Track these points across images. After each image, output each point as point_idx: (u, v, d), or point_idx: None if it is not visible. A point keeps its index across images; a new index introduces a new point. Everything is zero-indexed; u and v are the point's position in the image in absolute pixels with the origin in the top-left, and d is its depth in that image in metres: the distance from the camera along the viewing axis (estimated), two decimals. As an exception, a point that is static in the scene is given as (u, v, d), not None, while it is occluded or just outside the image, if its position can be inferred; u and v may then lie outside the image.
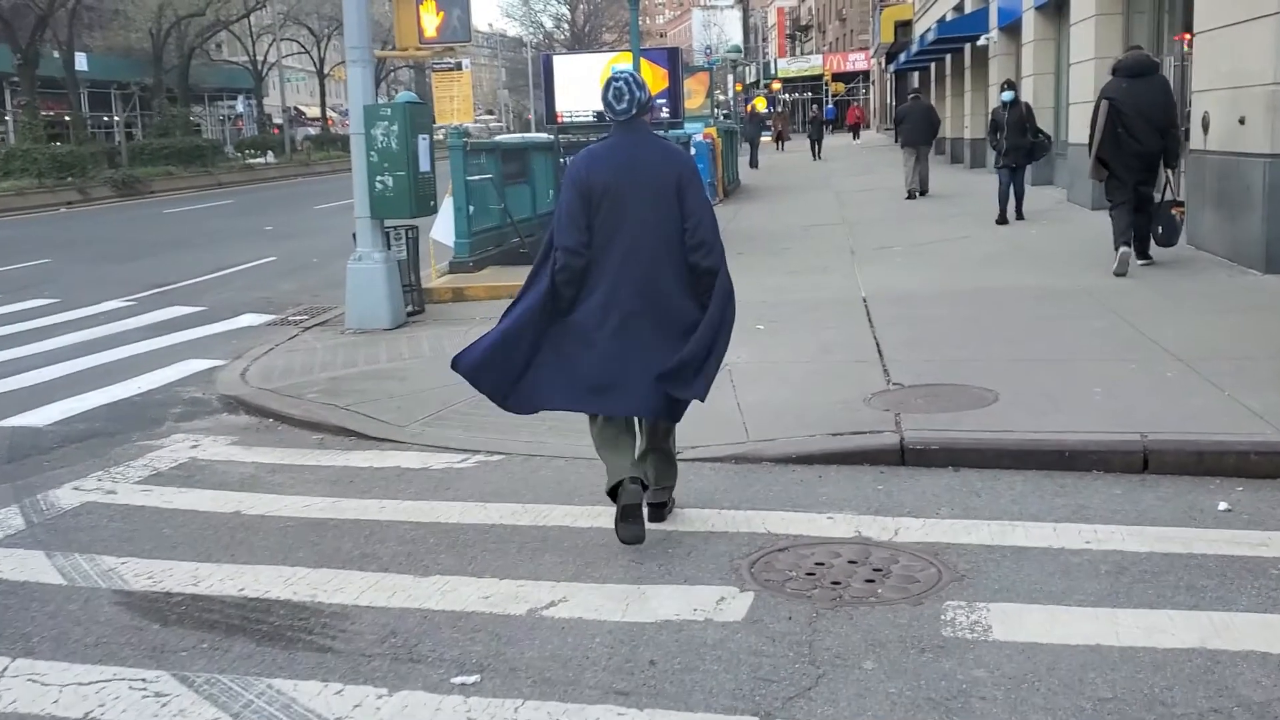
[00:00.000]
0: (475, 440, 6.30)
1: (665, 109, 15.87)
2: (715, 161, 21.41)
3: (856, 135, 48.50)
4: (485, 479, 5.67)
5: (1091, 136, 10.17)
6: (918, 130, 19.59)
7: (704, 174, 19.35)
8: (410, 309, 10.52)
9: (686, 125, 17.83)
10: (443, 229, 11.99)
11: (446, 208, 12.00)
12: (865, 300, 9.59)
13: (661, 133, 15.22)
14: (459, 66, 11.73)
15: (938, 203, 18.42)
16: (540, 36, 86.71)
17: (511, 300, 4.70)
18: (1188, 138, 11.47)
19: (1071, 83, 16.55)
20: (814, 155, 34.94)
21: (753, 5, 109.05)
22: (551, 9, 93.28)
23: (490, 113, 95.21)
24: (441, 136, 11.29)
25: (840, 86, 73.50)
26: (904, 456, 5.54)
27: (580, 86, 14.32)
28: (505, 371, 4.61)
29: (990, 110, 14.85)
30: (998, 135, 14.77)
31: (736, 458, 5.72)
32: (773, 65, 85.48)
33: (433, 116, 10.51)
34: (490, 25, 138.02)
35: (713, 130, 22.08)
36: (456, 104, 11.87)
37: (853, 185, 23.61)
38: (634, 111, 4.45)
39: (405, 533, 4.91)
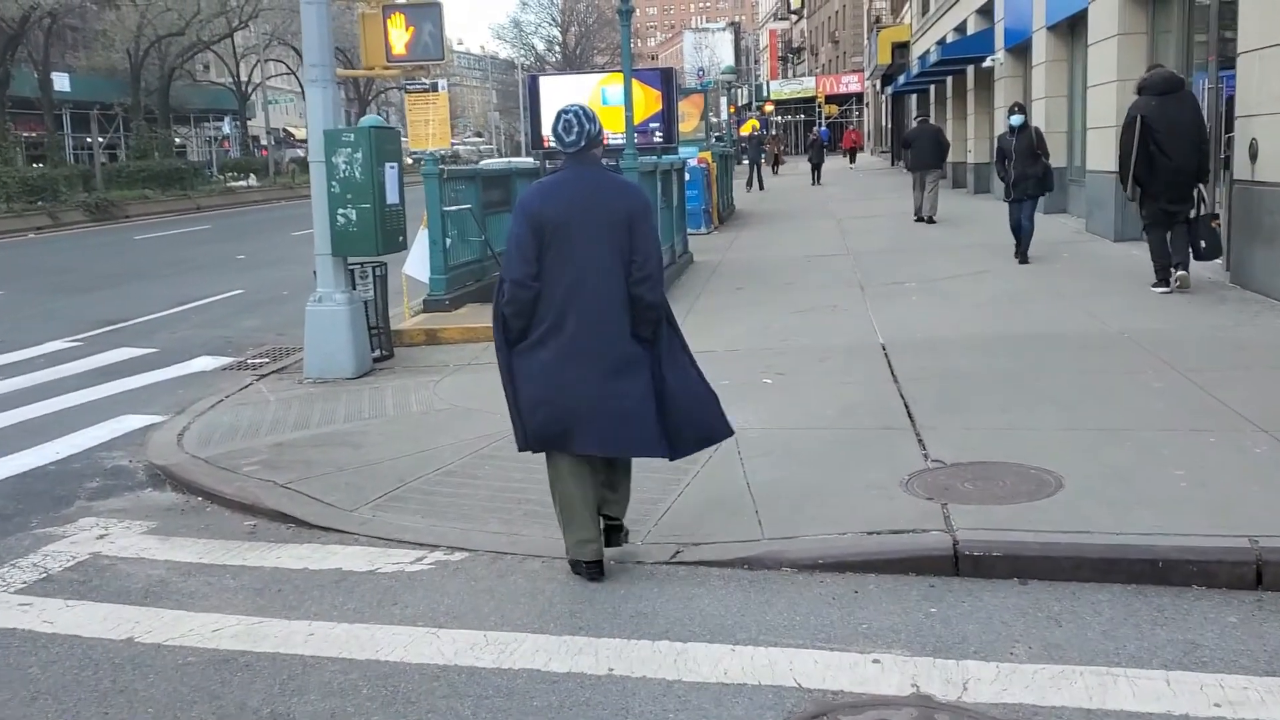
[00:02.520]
0: (434, 530, 5.25)
1: (659, 133, 14.91)
2: (710, 187, 20.45)
3: (853, 159, 47.58)
4: (442, 589, 4.62)
5: (1123, 157, 10.06)
6: (927, 154, 19.02)
7: (698, 200, 18.38)
8: (378, 354, 9.49)
9: (680, 149, 16.84)
10: (416, 264, 10.96)
11: (420, 241, 10.99)
12: (884, 348, 8.58)
13: (655, 157, 14.30)
14: (434, 87, 10.74)
15: (947, 230, 17.44)
16: (532, 59, 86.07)
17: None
18: (1227, 166, 10.73)
19: (1090, 106, 15.62)
20: (814, 180, 33.65)
21: (744, 28, 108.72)
22: (543, 31, 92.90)
23: (479, 135, 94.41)
24: (411, 162, 10.25)
25: (834, 109, 72.84)
26: (958, 564, 4.50)
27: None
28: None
29: (996, 136, 13.77)
30: (1005, 164, 12.91)
31: (750, 562, 4.68)
32: (765, 87, 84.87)
33: (400, 142, 9.47)
34: (482, 48, 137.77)
35: (707, 155, 21.12)
36: (432, 128, 10.87)
37: (854, 211, 22.65)
38: (583, 143, 4.48)
39: (332, 678, 3.84)
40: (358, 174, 8.61)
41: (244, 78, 51.78)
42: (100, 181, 32.49)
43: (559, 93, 13.78)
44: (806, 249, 15.94)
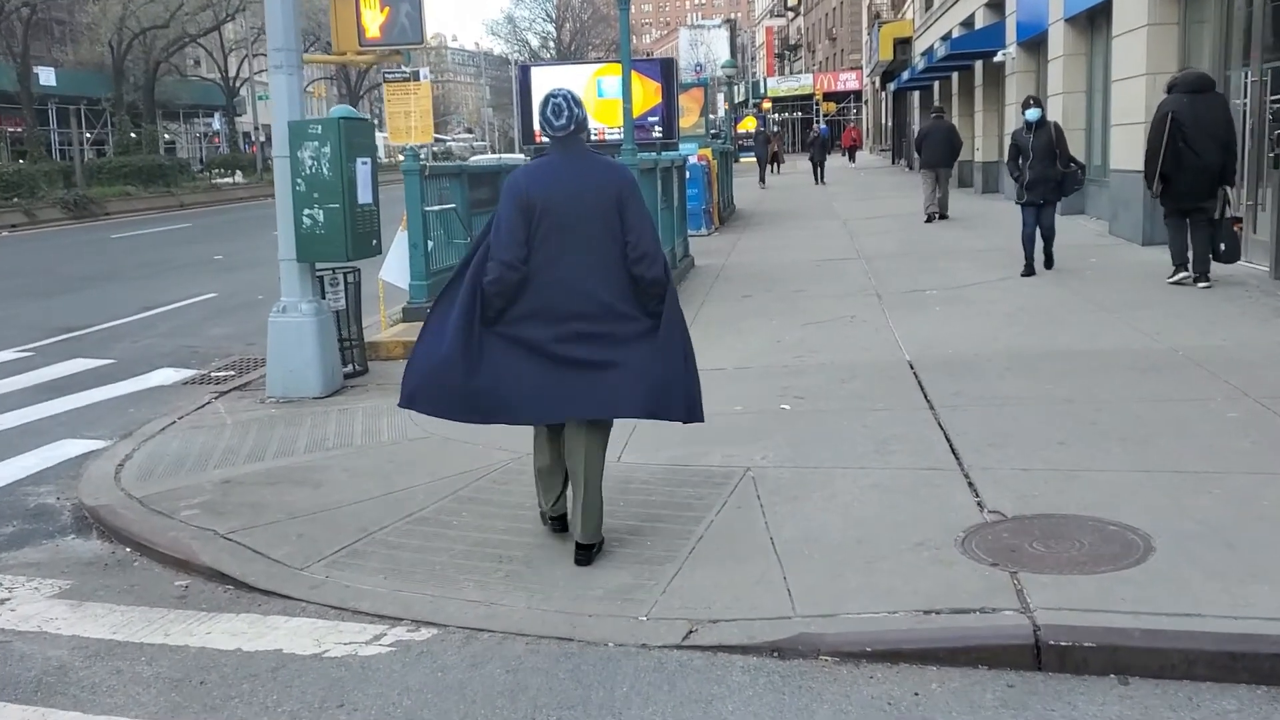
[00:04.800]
0: (398, 598, 4.36)
1: (658, 128, 14.03)
2: (710, 186, 19.56)
3: (852, 157, 46.70)
4: (401, 685, 3.73)
5: (1151, 154, 10.15)
6: (939, 151, 18.41)
7: (698, 200, 17.50)
8: (350, 369, 8.61)
9: (681, 145, 15.95)
10: (394, 269, 10.07)
11: (400, 243, 10.10)
12: (912, 366, 7.70)
13: (655, 154, 13.42)
14: (416, 76, 9.84)
15: (962, 232, 16.56)
16: (526, 55, 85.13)
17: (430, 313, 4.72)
18: (1277, 166, 9.95)
19: (1113, 101, 14.76)
20: (816, 179, 32.61)
21: (740, 24, 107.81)
22: (538, 27, 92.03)
23: (470, 131, 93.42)
24: (384, 158, 9.34)
25: (831, 106, 71.96)
26: (1040, 656, 3.63)
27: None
28: (447, 392, 4.57)
29: (1009, 133, 12.67)
30: (1020, 164, 11.54)
31: (780, 648, 3.80)
32: (762, 84, 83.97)
33: (375, 135, 8.58)
34: (476, 44, 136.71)
35: (707, 152, 20.23)
36: (414, 120, 9.98)
37: (859, 211, 21.77)
38: (572, 128, 4.49)
39: (249, 828, 2.96)
40: (325, 170, 7.72)
41: (232, 73, 50.78)
42: (80, 178, 31.49)
43: (552, 84, 12.86)
44: (815, 252, 15.06)
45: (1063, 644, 3.62)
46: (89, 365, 10.02)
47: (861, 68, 69.22)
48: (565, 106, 4.46)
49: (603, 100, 13.81)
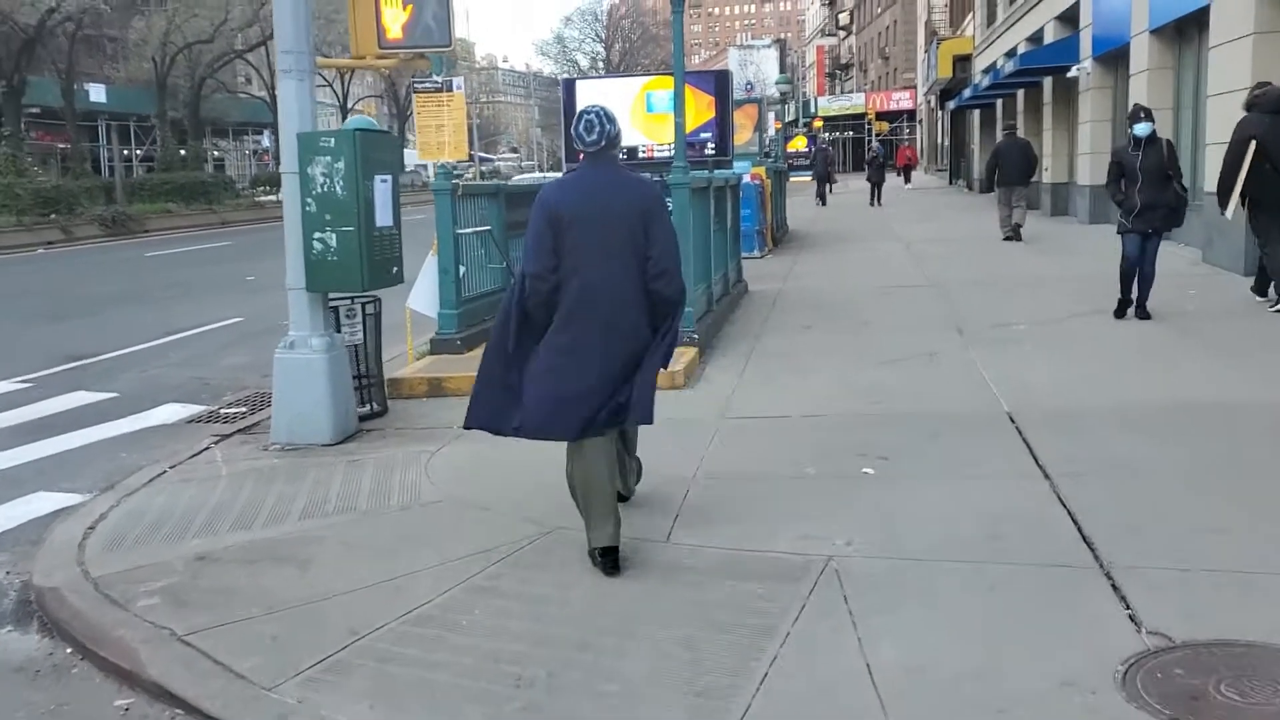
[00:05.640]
0: (387, 739, 3.36)
1: (711, 144, 13.01)
2: (764, 206, 18.54)
3: (908, 178, 45.35)
4: None
5: (1226, 175, 9.95)
6: (1015, 169, 17.64)
7: (751, 220, 16.48)
8: (367, 409, 7.67)
9: (734, 163, 14.92)
10: (423, 297, 9.15)
11: (429, 269, 9.18)
12: (1012, 419, 6.60)
13: (707, 172, 12.42)
14: (449, 86, 8.91)
15: (1040, 257, 15.34)
16: (575, 75, 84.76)
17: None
18: None
19: (1208, 118, 13.55)
20: (872, 200, 31.26)
21: (790, 44, 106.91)
22: (587, 47, 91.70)
23: (515, 150, 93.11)
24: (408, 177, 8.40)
25: (884, 125, 70.67)
26: None
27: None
28: (496, 408, 4.68)
29: (1081, 153, 11.11)
30: (1124, 186, 9.81)
31: None
32: (813, 103, 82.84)
33: (398, 150, 7.66)
34: (527, 65, 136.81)
35: (761, 170, 19.23)
36: (447, 134, 9.05)
37: (920, 234, 20.61)
38: (604, 143, 4.56)
39: None
40: (339, 189, 6.79)
41: (278, 90, 50.59)
42: (121, 194, 31.09)
43: (598, 98, 11.92)
44: (879, 278, 13.95)
45: None
46: (89, 400, 9.18)
47: (915, 87, 67.94)
48: (597, 123, 4.55)
49: (652, 115, 12.83)
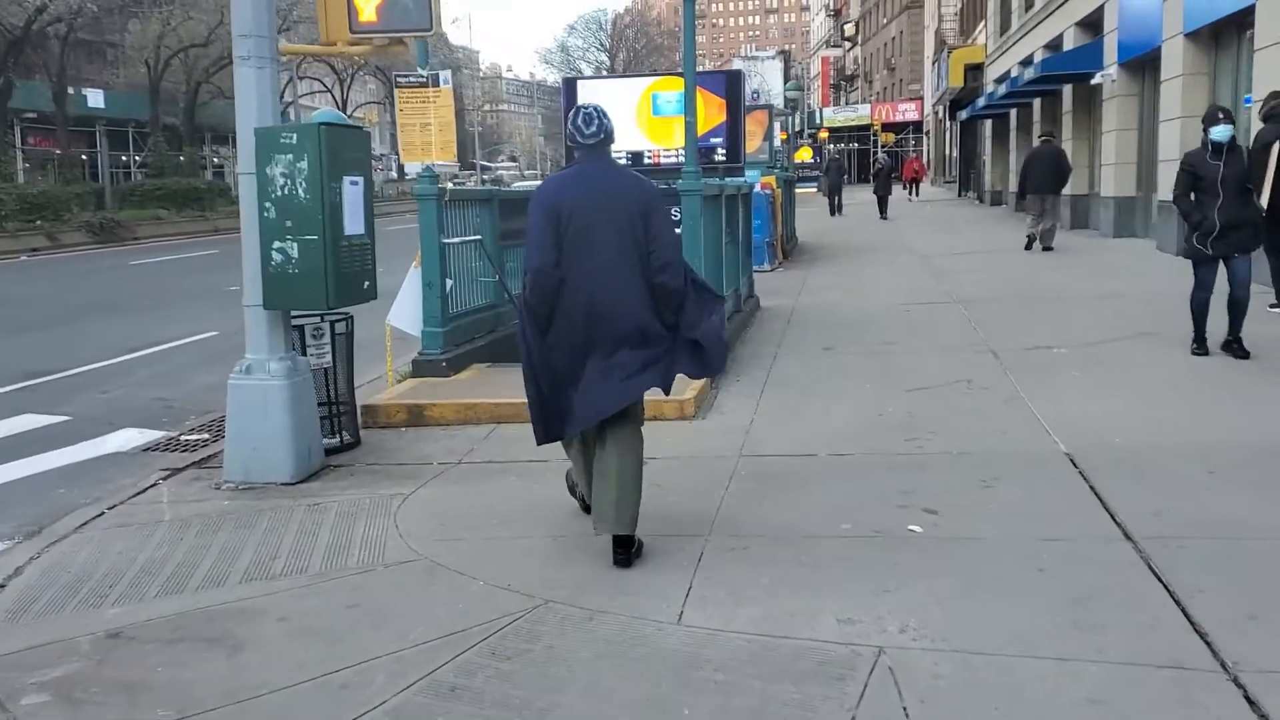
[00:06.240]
0: None
1: (721, 149, 12.17)
2: (775, 217, 17.68)
3: (915, 190, 44.42)
4: None
5: (1260, 182, 9.03)
6: (1047, 177, 17.08)
7: (762, 232, 15.63)
8: (338, 441, 6.81)
9: (746, 171, 14.07)
10: (405, 313, 8.30)
11: (412, 282, 8.33)
12: (1074, 461, 5.72)
13: (719, 179, 11.59)
14: (435, 81, 8.07)
15: (1066, 274, 14.44)
16: (576, 76, 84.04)
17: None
18: None
19: (1255, 126, 12.66)
20: (880, 213, 30.27)
21: (795, 55, 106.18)
22: (590, 56, 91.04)
23: (514, 159, 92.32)
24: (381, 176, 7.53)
25: (890, 137, 69.84)
26: None
27: (614, 118, 10.66)
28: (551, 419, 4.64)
29: (1183, 156, 9.93)
30: (1198, 200, 8.19)
31: None
32: (818, 114, 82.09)
33: (368, 146, 6.81)
34: (531, 74, 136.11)
35: (771, 179, 18.37)
36: (434, 134, 8.21)
37: (938, 246, 19.74)
38: (601, 137, 4.59)
39: None
40: (301, 192, 5.93)
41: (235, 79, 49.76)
42: (111, 200, 30.27)
43: (600, 98, 11.06)
44: (899, 294, 13.07)
45: None
46: (36, 424, 8.34)
47: (922, 98, 67.11)
48: (595, 117, 4.59)
49: (658, 119, 11.99)
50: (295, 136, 5.95)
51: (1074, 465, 5.66)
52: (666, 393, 4.75)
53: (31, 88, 36.45)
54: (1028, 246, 17.43)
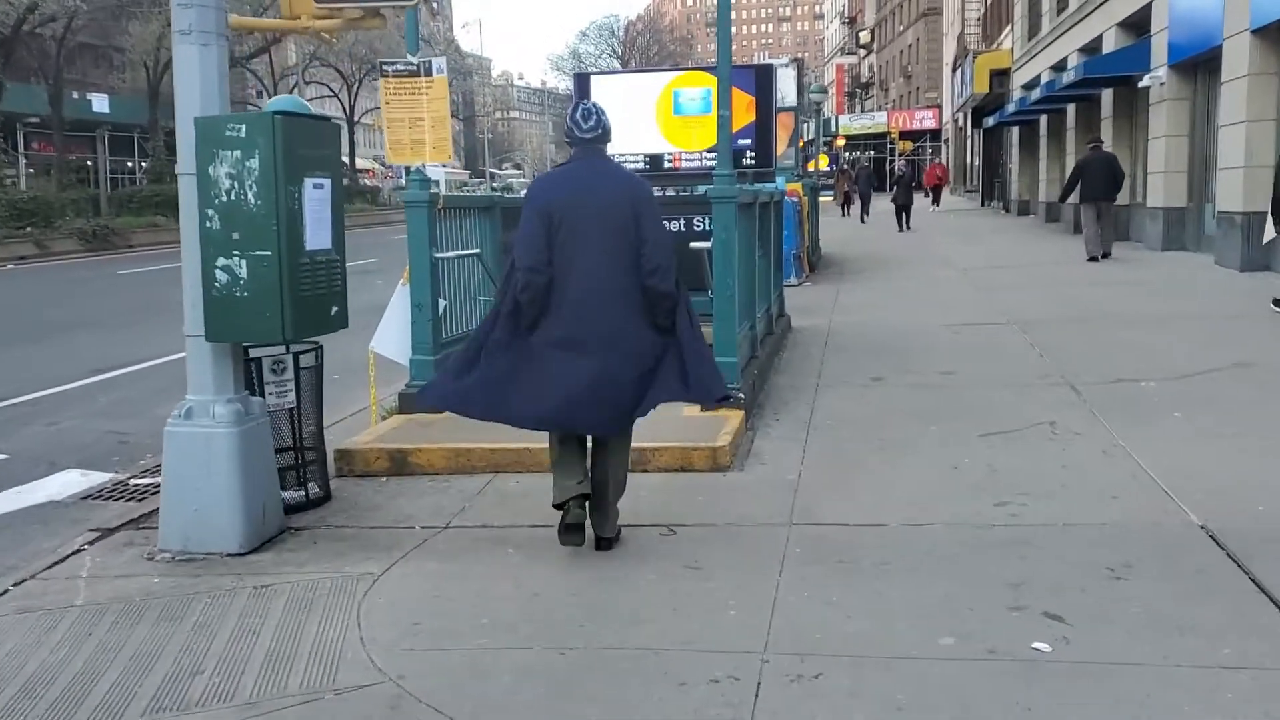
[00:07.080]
0: None
1: (750, 152, 10.98)
2: (802, 227, 16.51)
3: (936, 199, 43.11)
4: None
5: None
6: (1101, 184, 16.34)
7: (790, 242, 14.45)
8: (303, 495, 5.67)
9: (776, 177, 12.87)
10: (390, 338, 7.15)
11: (399, 303, 7.18)
12: (1216, 540, 4.52)
13: (749, 185, 10.43)
14: (427, 69, 6.94)
15: (1127, 289, 13.21)
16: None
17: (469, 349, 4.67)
18: None
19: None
20: (900, 225, 28.65)
21: (809, 64, 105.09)
22: (603, 63, 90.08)
23: (518, 166, 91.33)
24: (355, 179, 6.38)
25: (908, 145, 68.61)
26: None
27: (630, 117, 9.53)
28: (487, 398, 4.60)
29: (1157, 170, 8.91)
30: None
31: None
32: (833, 122, 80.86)
33: (337, 141, 5.67)
34: (543, 81, 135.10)
35: (798, 186, 17.20)
36: (426, 130, 7.07)
37: (974, 258, 18.54)
38: (599, 132, 4.58)
39: None
40: (251, 197, 4.78)
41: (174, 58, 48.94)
42: (108, 206, 29.27)
43: (615, 96, 9.93)
44: (944, 312, 11.86)
45: None
46: (-36, 464, 7.22)
47: (940, 105, 65.85)
48: (594, 112, 4.60)
49: (681, 118, 10.81)
50: (244, 128, 4.80)
51: (1218, 545, 4.47)
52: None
53: (33, 92, 35.63)
54: (1091, 259, 16.55)
